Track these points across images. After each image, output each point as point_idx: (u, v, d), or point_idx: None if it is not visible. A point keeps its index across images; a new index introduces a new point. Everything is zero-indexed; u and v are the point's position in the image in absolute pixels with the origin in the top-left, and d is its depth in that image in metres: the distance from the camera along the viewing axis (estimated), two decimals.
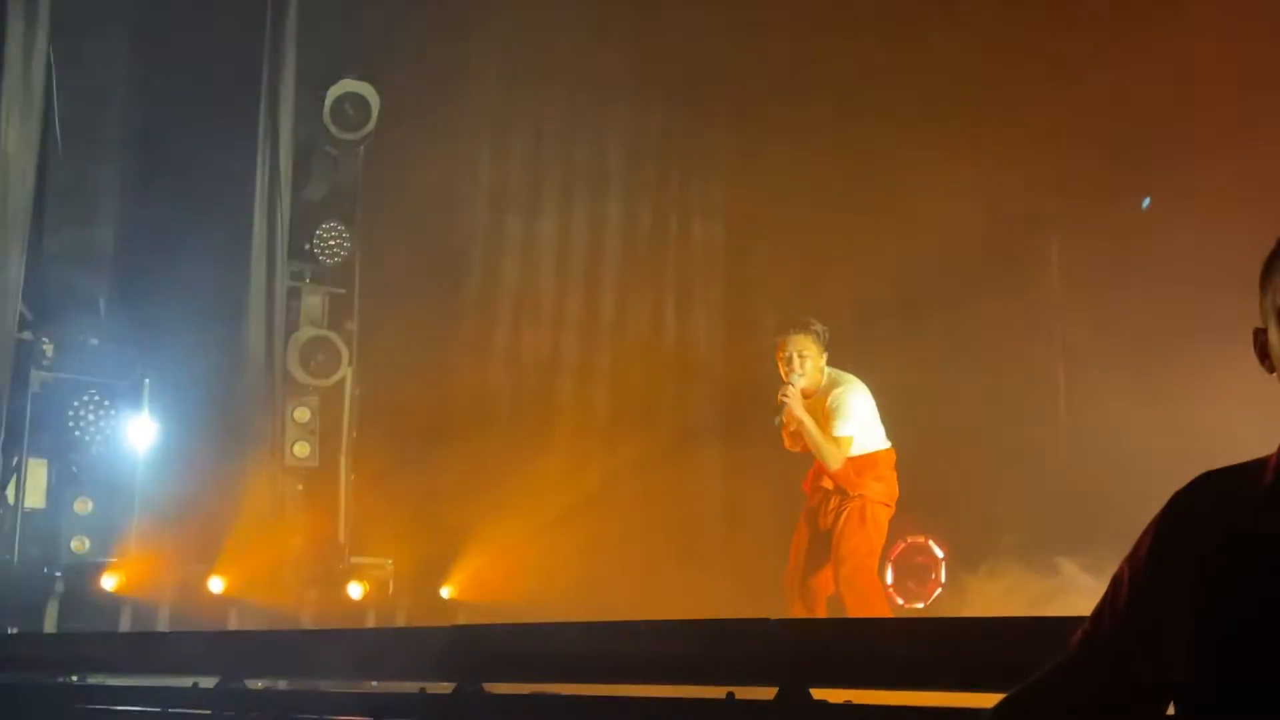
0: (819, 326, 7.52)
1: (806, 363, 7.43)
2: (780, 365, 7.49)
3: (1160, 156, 9.32)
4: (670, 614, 5.47)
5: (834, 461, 7.34)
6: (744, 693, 4.12)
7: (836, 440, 7.36)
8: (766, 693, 4.03)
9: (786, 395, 7.34)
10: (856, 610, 7.17)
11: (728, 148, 11.97)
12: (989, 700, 2.15)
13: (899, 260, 10.18)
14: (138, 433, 9.93)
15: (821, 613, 7.34)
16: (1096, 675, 2.01)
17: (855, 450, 7.42)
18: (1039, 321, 10.35)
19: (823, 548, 7.44)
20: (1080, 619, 2.09)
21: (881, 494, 7.50)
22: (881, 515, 7.50)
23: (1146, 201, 10.11)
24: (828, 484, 7.52)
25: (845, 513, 7.41)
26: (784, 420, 7.40)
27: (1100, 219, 9.85)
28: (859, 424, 7.44)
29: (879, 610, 7.26)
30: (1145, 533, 2.00)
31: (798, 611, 7.39)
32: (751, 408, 11.47)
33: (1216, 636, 1.82)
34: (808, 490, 7.67)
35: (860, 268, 10.22)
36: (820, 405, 7.46)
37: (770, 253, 11.85)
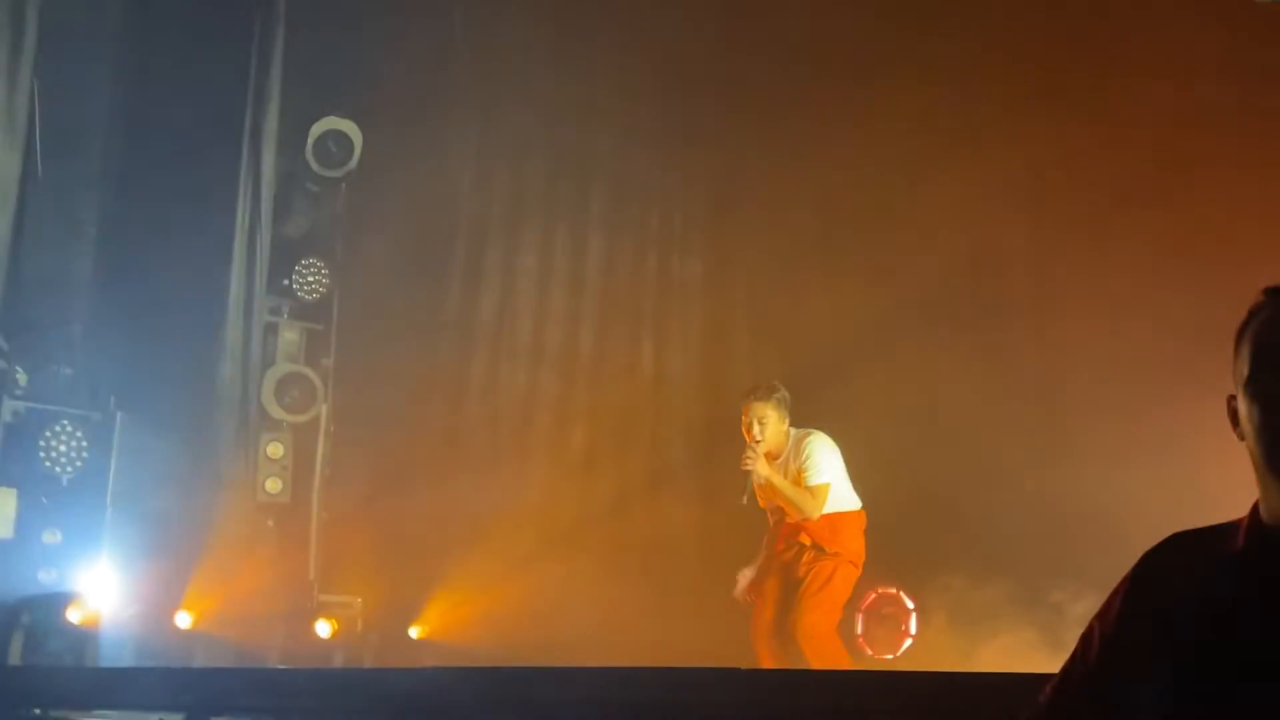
0: (782, 393, 7.66)
1: (767, 429, 7.56)
2: (745, 431, 7.56)
3: (1147, 204, 9.35)
4: (643, 658, 5.46)
5: (814, 510, 7.42)
6: None
7: (812, 490, 7.41)
8: None
9: (748, 460, 7.42)
10: (814, 664, 7.21)
11: (709, 182, 12.02)
12: None
13: (877, 301, 10.23)
14: (109, 465, 9.88)
15: (797, 659, 7.39)
16: None
17: (830, 506, 7.47)
18: (1020, 365, 10.35)
19: (794, 598, 7.51)
20: (1050, 675, 2.11)
21: (853, 553, 7.57)
22: (850, 575, 7.59)
23: None
24: (805, 539, 7.58)
25: (816, 568, 7.48)
26: (751, 489, 7.46)
27: (1086, 260, 9.88)
28: (832, 474, 7.50)
29: (836, 665, 7.31)
30: (1115, 592, 2.02)
31: (769, 660, 7.42)
32: (729, 448, 11.50)
33: (1184, 696, 1.83)
34: (780, 549, 7.71)
35: (837, 310, 10.24)
36: (791, 460, 7.53)
37: (749, 289, 11.90)
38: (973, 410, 9.98)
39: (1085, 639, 2.05)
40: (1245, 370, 1.92)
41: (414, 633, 10.57)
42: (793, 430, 7.67)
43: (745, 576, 7.87)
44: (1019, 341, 10.35)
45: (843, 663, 7.34)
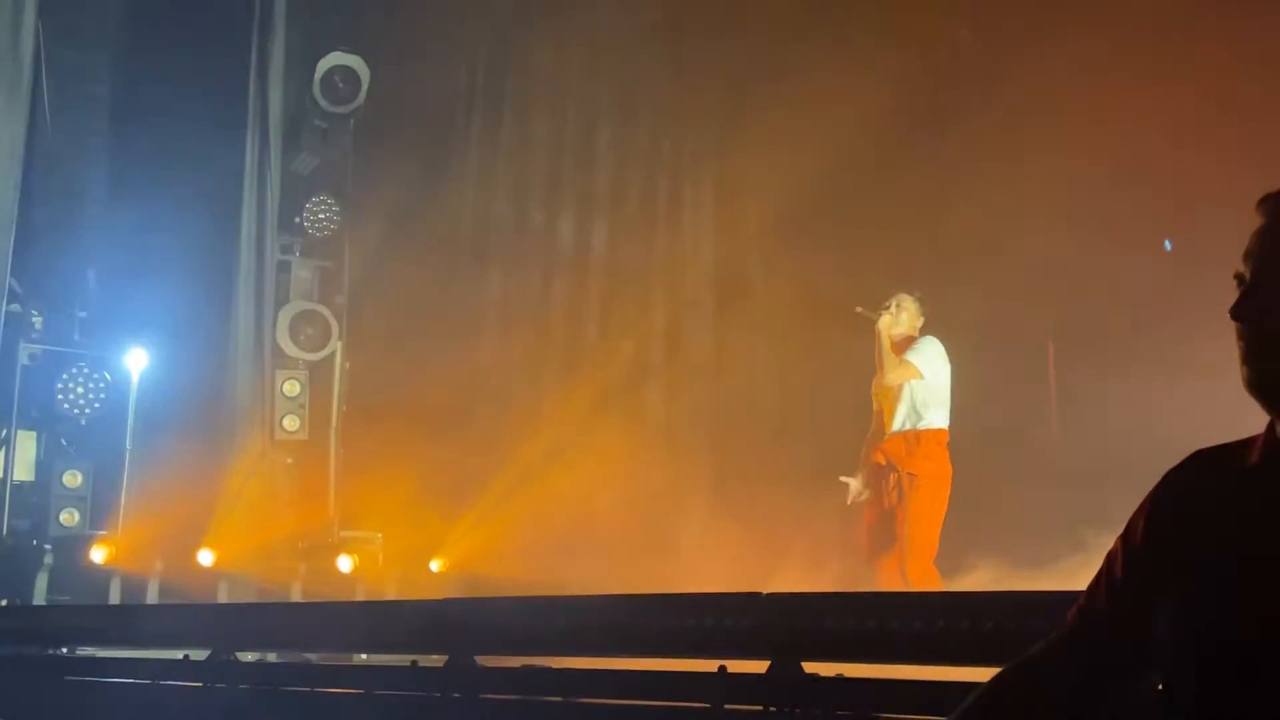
0: (922, 296, 7.87)
1: (902, 314, 7.74)
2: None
3: (1143, 144, 9.23)
4: (660, 589, 5.49)
5: (893, 376, 7.64)
6: (736, 666, 4.13)
7: (904, 361, 7.63)
8: (759, 666, 4.05)
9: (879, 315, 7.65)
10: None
11: (719, 116, 11.94)
12: (984, 674, 2.16)
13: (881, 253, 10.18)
14: (127, 405, 9.92)
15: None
16: (1092, 649, 2.03)
17: (908, 423, 7.63)
18: (1028, 304, 10.27)
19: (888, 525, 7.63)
20: (1075, 594, 2.11)
21: (930, 472, 7.65)
22: (930, 497, 7.66)
23: (1168, 244, 10.09)
24: (880, 459, 7.65)
25: (905, 501, 7.60)
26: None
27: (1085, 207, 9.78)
28: (930, 371, 7.63)
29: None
30: (1139, 510, 2.02)
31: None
32: (742, 384, 11.53)
33: (1204, 609, 1.84)
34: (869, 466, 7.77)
35: (845, 263, 10.18)
36: (906, 347, 7.74)
37: (760, 238, 11.84)
38: (985, 344, 9.92)
39: (1110, 557, 2.05)
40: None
41: (435, 566, 10.64)
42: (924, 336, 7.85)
43: (854, 486, 7.85)
44: (1032, 276, 10.24)
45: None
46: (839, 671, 3.94)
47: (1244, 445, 1.93)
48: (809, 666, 3.97)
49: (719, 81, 11.72)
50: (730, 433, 11.41)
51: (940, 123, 9.95)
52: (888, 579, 7.54)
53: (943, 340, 7.80)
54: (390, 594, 10.34)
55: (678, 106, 12.05)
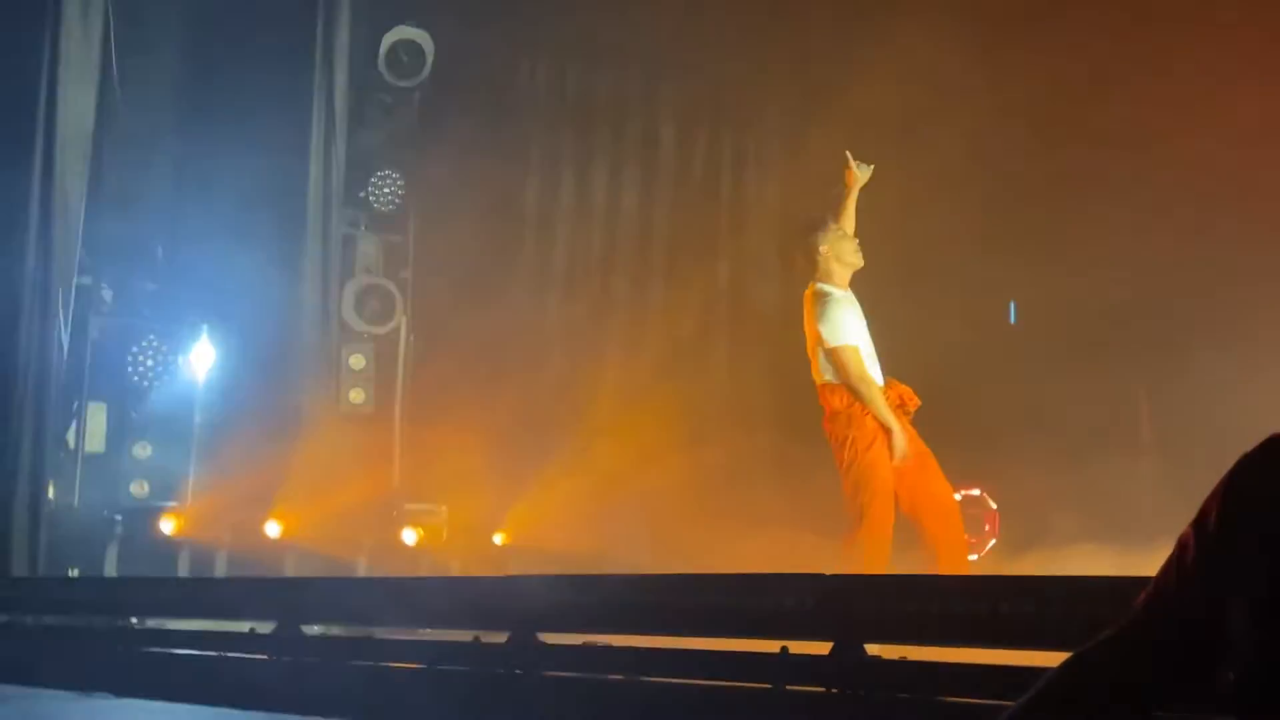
0: None
1: None
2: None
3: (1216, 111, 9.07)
4: (723, 567, 5.47)
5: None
6: (798, 647, 4.11)
7: None
8: (821, 648, 4.02)
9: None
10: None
11: (784, 73, 11.87)
12: (1050, 659, 2.12)
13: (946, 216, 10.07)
14: (195, 378, 10.00)
15: None
16: (1160, 639, 1.98)
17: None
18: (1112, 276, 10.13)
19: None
20: (1143, 580, 2.06)
21: None
22: None
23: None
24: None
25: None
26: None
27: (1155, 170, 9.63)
28: None
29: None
30: (1212, 495, 1.97)
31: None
32: (805, 357, 11.46)
33: (1277, 602, 1.79)
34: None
35: (909, 230, 10.07)
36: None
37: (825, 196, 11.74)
38: (1066, 323, 9.78)
39: (1181, 545, 1.99)
40: None
41: (498, 539, 10.68)
42: None
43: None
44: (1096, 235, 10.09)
45: None
46: (902, 654, 3.91)
47: None
48: (871, 649, 3.94)
49: (784, 38, 11.61)
50: (796, 398, 11.34)
51: (1011, 82, 9.79)
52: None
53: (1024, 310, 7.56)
54: (454, 566, 10.40)
55: (740, 65, 11.96)
